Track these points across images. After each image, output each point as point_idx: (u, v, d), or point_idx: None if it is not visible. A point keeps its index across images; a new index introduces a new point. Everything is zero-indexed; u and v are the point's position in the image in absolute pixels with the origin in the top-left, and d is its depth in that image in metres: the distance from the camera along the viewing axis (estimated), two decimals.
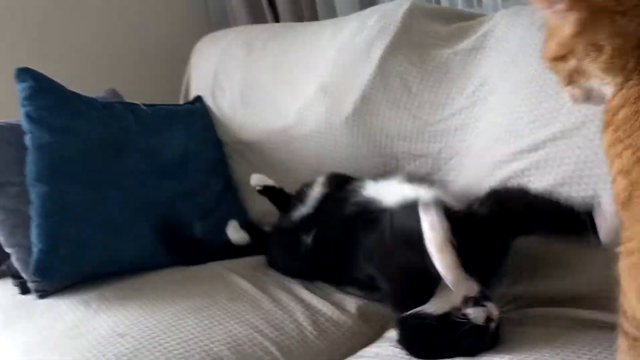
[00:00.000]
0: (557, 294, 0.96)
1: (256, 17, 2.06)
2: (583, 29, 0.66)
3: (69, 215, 1.27)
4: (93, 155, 1.34)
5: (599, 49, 0.64)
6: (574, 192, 0.94)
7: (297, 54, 1.52)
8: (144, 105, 1.55)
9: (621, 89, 0.65)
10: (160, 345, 1.01)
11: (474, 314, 0.83)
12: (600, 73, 0.66)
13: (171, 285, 1.22)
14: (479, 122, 1.15)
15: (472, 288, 0.86)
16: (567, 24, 0.66)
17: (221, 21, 2.15)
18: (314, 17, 1.93)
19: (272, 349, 1.01)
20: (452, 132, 1.19)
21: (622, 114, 0.64)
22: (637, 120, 0.62)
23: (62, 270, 1.25)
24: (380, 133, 1.27)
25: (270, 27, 1.76)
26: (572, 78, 0.70)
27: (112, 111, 1.47)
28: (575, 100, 0.73)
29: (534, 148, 1.01)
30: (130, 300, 1.17)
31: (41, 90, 1.37)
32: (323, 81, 1.39)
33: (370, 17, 1.37)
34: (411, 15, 1.31)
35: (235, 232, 1.37)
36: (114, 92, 1.72)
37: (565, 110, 0.98)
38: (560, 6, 0.66)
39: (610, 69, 0.65)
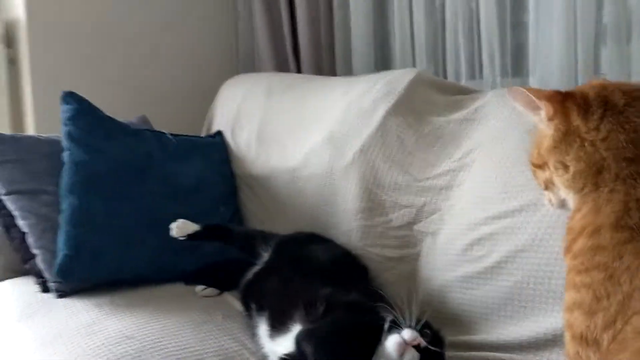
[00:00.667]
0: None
1: (281, 66, 2.23)
2: (556, 145, 0.72)
3: (92, 226, 1.43)
4: (119, 174, 1.51)
5: (564, 167, 0.71)
6: (532, 259, 1.08)
7: (311, 104, 1.69)
8: (170, 134, 1.72)
9: (580, 209, 0.70)
10: (160, 349, 1.15)
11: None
12: (563, 188, 0.73)
13: (175, 298, 1.37)
14: (462, 186, 1.31)
15: None
16: (548, 137, 0.73)
17: (249, 65, 2.33)
18: (332, 71, 2.10)
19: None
20: (438, 190, 1.35)
21: (580, 243, 0.69)
22: (593, 257, 0.66)
23: (81, 274, 1.41)
24: (373, 182, 1.43)
25: (291, 77, 1.94)
26: (547, 186, 0.77)
27: (141, 137, 1.64)
28: (551, 204, 0.80)
29: (503, 216, 1.15)
30: (138, 307, 1.32)
31: (82, 112, 1.56)
32: (330, 131, 1.55)
33: (379, 80, 1.54)
34: (415, 84, 1.48)
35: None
36: (145, 119, 1.91)
37: (531, 186, 1.12)
38: (543, 114, 0.73)
39: (571, 187, 0.72)
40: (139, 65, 2.20)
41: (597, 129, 0.68)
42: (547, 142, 0.73)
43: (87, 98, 1.62)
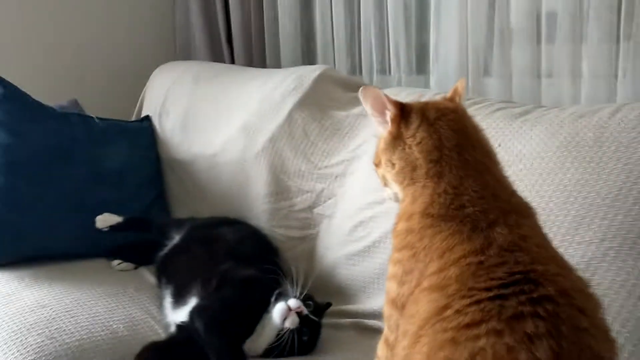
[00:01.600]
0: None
1: (215, 54, 2.34)
2: (387, 146, 0.86)
3: (15, 206, 1.54)
4: (43, 157, 1.61)
5: (392, 165, 0.85)
6: None
7: (231, 94, 1.81)
8: (98, 118, 1.82)
9: (404, 200, 0.85)
10: (72, 317, 1.27)
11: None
12: (392, 182, 0.87)
13: (91, 272, 1.49)
14: (354, 174, 1.46)
15: None
16: (383, 138, 0.87)
17: (185, 53, 2.43)
18: (262, 62, 2.21)
19: (160, 330, 1.29)
20: (334, 177, 1.50)
21: (399, 226, 0.83)
22: (405, 238, 0.80)
23: (4, 251, 1.51)
24: (280, 169, 1.57)
25: (217, 66, 2.05)
26: (384, 182, 0.90)
27: (67, 121, 1.74)
28: (389, 198, 0.91)
29: (380, 201, 1.31)
30: (56, 280, 1.43)
31: (8, 97, 1.64)
32: (245, 121, 1.68)
33: (290, 75, 1.68)
34: (320, 80, 1.63)
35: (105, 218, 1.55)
36: (76, 103, 1.99)
37: None
38: (389, 115, 0.86)
39: (396, 181, 0.86)
40: (74, 50, 2.26)
41: (414, 135, 0.83)
42: (381, 144, 0.88)
43: (17, 81, 1.70)
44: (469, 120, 0.85)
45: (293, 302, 1.15)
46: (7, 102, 1.63)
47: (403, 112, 0.85)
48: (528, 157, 1.09)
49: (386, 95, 0.88)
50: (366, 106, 0.91)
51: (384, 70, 1.91)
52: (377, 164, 0.91)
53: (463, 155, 0.79)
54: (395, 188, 0.88)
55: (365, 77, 1.93)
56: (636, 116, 1.02)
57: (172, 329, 1.26)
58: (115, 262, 1.56)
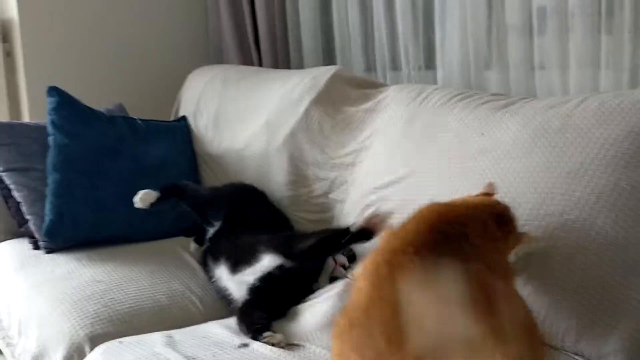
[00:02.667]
0: None
1: (245, 57, 2.55)
2: None
3: (72, 197, 1.78)
4: (94, 155, 1.85)
5: None
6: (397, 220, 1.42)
7: (256, 94, 2.01)
8: (140, 120, 2.05)
9: None
10: (122, 290, 1.50)
11: None
12: None
13: (137, 253, 1.71)
14: (362, 162, 1.64)
15: None
16: None
17: (217, 57, 2.65)
18: (287, 63, 2.41)
19: (197, 301, 1.51)
20: (345, 166, 1.68)
21: None
22: None
23: (63, 235, 1.76)
24: (299, 160, 1.77)
25: (243, 69, 2.26)
26: None
27: (114, 123, 1.98)
28: None
29: (383, 187, 1.49)
30: (107, 261, 1.67)
31: (63, 104, 1.89)
32: (268, 118, 1.88)
33: (307, 76, 1.87)
34: (334, 79, 1.81)
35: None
36: (121, 107, 2.24)
37: (404, 164, 1.46)
38: None
39: None
40: (118, 59, 2.52)
41: None
42: None
43: (72, 88, 1.95)
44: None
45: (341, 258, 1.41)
46: (63, 109, 1.88)
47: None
48: (505, 144, 1.25)
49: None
50: None
51: (396, 67, 2.07)
52: None
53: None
54: None
55: (379, 74, 2.10)
56: (597, 106, 1.16)
57: (232, 291, 1.45)
58: (193, 245, 1.77)
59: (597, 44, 1.50)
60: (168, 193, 1.73)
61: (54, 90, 1.90)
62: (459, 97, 1.48)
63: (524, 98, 1.40)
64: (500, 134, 1.27)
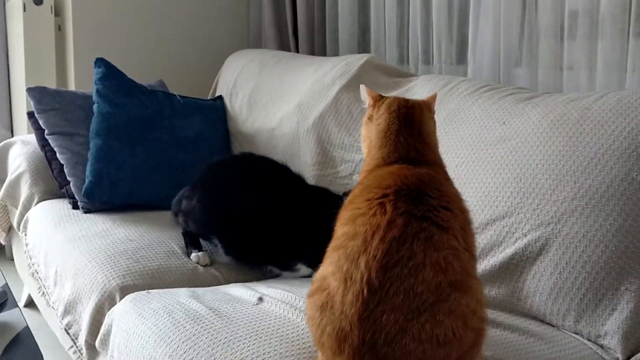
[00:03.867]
0: None
1: (283, 43, 2.65)
2: (364, 125, 1.07)
3: (111, 162, 1.88)
4: (134, 124, 1.96)
5: (364, 138, 1.07)
6: None
7: (290, 78, 2.10)
8: (179, 96, 2.16)
9: (363, 162, 1.05)
10: (152, 249, 1.60)
11: None
12: (363, 150, 1.08)
13: (167, 219, 1.80)
14: None
15: None
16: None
17: (257, 42, 2.75)
18: (323, 51, 2.49)
19: (220, 267, 1.59)
20: None
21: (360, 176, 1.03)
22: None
23: (101, 197, 1.87)
24: (327, 142, 1.84)
25: (280, 54, 2.34)
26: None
27: (154, 96, 2.08)
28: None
29: None
30: (140, 223, 1.77)
31: (109, 75, 2.00)
32: (300, 100, 1.96)
33: (340, 62, 1.94)
34: (365, 66, 1.87)
35: None
36: (162, 83, 2.35)
37: None
38: (368, 103, 1.09)
39: (364, 149, 1.06)
40: (162, 37, 2.65)
41: (377, 120, 1.04)
42: (363, 122, 1.10)
43: (118, 61, 2.07)
44: (419, 115, 1.04)
45: None
46: (108, 79, 1.99)
47: (377, 103, 1.07)
48: (524, 132, 1.30)
49: (369, 90, 1.10)
50: (363, 98, 1.13)
51: (428, 60, 2.13)
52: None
53: (399, 148, 1.00)
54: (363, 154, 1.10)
55: (411, 67, 2.16)
56: (616, 100, 1.20)
57: None
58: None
59: (625, 47, 1.54)
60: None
61: (100, 62, 2.01)
62: (485, 88, 1.53)
63: (548, 92, 1.45)
64: (521, 123, 1.32)
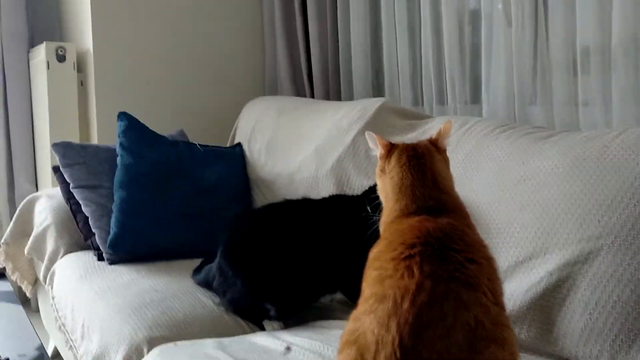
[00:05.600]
0: None
1: (298, 89, 2.70)
2: (378, 177, 1.09)
3: (135, 213, 1.92)
4: (157, 175, 2.00)
5: (380, 189, 1.08)
6: None
7: (307, 122, 2.14)
8: (199, 145, 2.20)
9: (383, 212, 1.06)
10: (178, 299, 1.60)
11: None
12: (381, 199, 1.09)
13: (192, 268, 1.82)
14: None
15: None
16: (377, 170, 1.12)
17: (272, 89, 2.81)
18: (338, 95, 2.54)
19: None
20: None
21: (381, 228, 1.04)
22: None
23: (126, 248, 1.89)
24: (346, 185, 1.86)
25: (297, 100, 2.39)
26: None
27: (176, 147, 2.13)
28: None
29: None
30: (165, 272, 1.79)
31: (131, 128, 2.06)
32: (318, 145, 1.99)
33: (356, 106, 1.97)
34: (381, 110, 1.91)
35: None
36: (182, 132, 2.40)
37: None
38: (378, 153, 1.10)
39: (381, 199, 1.08)
40: (181, 89, 2.72)
41: (390, 173, 1.05)
42: (377, 172, 1.12)
43: (139, 114, 2.13)
44: (430, 163, 1.05)
45: None
46: (131, 132, 2.04)
47: (389, 152, 1.08)
48: (544, 172, 1.30)
49: (379, 138, 1.11)
50: (372, 146, 1.15)
51: (442, 101, 2.16)
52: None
53: (416, 200, 1.01)
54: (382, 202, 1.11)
55: (426, 108, 2.19)
56: (635, 137, 1.20)
57: None
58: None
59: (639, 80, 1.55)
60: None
61: (123, 115, 2.07)
62: (502, 128, 1.55)
63: (566, 130, 1.46)
64: (540, 162, 1.33)
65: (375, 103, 1.93)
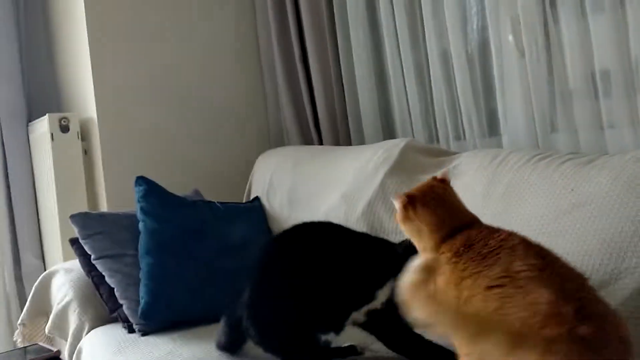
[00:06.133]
0: None
1: (305, 138, 2.68)
2: (402, 223, 1.20)
3: (165, 279, 1.85)
4: (183, 238, 1.94)
5: (410, 232, 1.19)
6: None
7: (328, 170, 2.11)
8: (219, 203, 2.16)
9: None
10: None
11: None
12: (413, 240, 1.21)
13: None
14: None
15: None
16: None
17: (278, 140, 2.79)
18: (348, 140, 2.52)
19: None
20: None
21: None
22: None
23: (159, 317, 1.82)
24: (379, 229, 1.82)
25: (314, 149, 2.37)
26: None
27: (196, 207, 2.08)
28: None
29: None
30: (202, 339, 1.70)
31: (151, 192, 2.01)
32: (344, 191, 1.96)
33: (380, 149, 1.96)
34: (406, 150, 1.90)
35: None
36: (197, 192, 2.36)
37: None
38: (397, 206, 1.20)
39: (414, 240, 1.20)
40: (189, 150, 2.68)
41: (419, 216, 1.16)
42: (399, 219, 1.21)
43: (154, 178, 2.08)
44: (448, 195, 1.19)
45: None
46: (151, 196, 2.00)
47: (410, 203, 1.18)
48: (597, 197, 1.29)
49: (397, 194, 1.20)
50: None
51: (459, 136, 2.15)
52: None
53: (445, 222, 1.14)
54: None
55: (442, 144, 2.18)
56: None
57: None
58: None
59: None
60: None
61: (142, 180, 2.02)
62: (539, 157, 1.54)
63: (604, 154, 1.46)
64: (592, 188, 1.32)
65: (399, 143, 1.92)
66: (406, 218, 1.18)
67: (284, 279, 1.40)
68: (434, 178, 1.23)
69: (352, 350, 1.47)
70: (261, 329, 1.39)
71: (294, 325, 1.34)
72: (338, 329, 1.36)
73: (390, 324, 1.34)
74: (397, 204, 1.19)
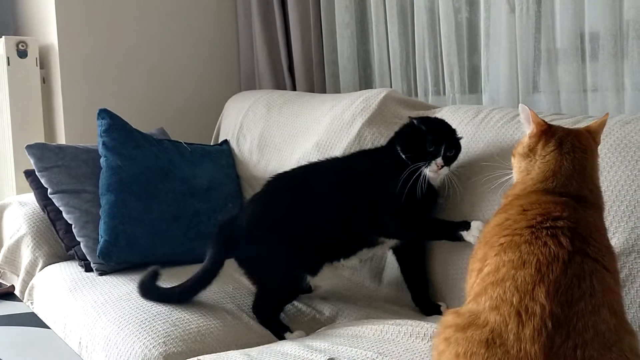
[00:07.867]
0: None
1: (278, 82, 2.58)
2: (521, 153, 1.03)
3: (127, 218, 1.77)
4: (147, 176, 1.85)
5: (519, 166, 1.04)
6: None
7: (303, 117, 2.03)
8: (186, 143, 2.07)
9: (513, 187, 1.04)
10: (186, 309, 1.48)
11: None
12: (514, 173, 1.07)
13: (191, 274, 1.69)
14: None
15: None
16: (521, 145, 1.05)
17: (250, 83, 2.68)
18: (322, 88, 2.44)
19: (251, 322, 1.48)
20: None
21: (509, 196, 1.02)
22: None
23: (118, 257, 1.74)
24: None
25: (288, 94, 2.28)
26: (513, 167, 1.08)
27: (163, 146, 1.99)
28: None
29: None
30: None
31: (115, 126, 1.90)
32: (318, 140, 1.89)
33: (358, 98, 1.89)
34: (386, 101, 1.83)
35: None
36: (163, 131, 2.25)
37: None
38: (530, 130, 1.04)
39: (515, 174, 1.06)
40: (155, 85, 2.55)
41: (544, 157, 0.99)
42: (519, 148, 1.06)
43: (119, 112, 1.96)
44: (592, 161, 1.01)
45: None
46: (115, 131, 1.88)
47: (546, 133, 1.02)
48: None
49: (534, 115, 1.04)
50: (522, 119, 1.09)
51: (438, 91, 2.10)
52: (513, 155, 1.08)
53: (566, 186, 0.97)
54: (514, 176, 1.07)
55: (420, 99, 2.13)
56: None
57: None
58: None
59: None
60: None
61: (105, 113, 1.91)
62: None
63: (589, 116, 1.43)
64: None
65: (378, 94, 1.86)
66: (530, 151, 1.01)
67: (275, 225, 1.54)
68: (588, 131, 1.05)
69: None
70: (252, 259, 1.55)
71: (279, 259, 1.51)
72: (313, 273, 1.52)
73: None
74: (532, 125, 1.02)
